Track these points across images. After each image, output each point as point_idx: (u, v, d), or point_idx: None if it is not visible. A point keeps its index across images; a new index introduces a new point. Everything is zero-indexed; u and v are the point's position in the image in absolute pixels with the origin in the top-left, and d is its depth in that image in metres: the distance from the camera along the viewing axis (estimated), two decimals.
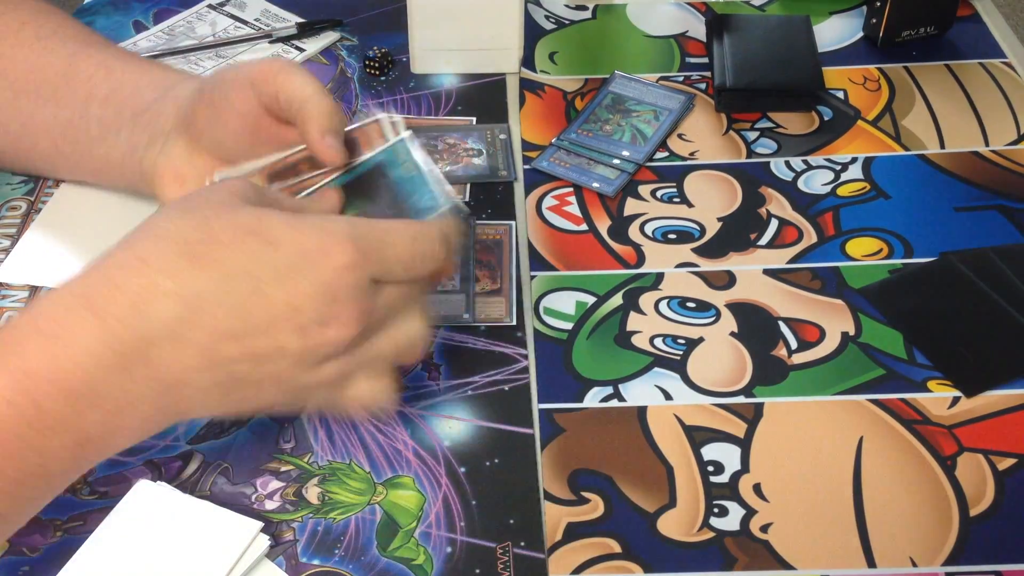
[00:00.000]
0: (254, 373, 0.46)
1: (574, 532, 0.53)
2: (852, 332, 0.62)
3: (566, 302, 0.65)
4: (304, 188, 0.55)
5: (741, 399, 0.59)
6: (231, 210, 0.46)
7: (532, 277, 0.66)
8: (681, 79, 0.81)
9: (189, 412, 0.47)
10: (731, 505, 0.54)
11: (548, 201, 0.71)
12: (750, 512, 0.54)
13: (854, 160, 0.73)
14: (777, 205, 0.70)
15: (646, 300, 0.65)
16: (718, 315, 0.64)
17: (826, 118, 0.77)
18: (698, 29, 0.85)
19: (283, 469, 0.56)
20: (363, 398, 0.50)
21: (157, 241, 0.45)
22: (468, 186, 0.72)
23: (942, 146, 0.74)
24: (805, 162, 0.73)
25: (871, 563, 0.52)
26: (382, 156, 0.54)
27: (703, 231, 0.69)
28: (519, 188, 0.72)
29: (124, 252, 0.45)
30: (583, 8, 0.88)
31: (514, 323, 0.63)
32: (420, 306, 0.51)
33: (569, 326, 0.63)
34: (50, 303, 0.44)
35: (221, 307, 0.44)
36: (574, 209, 0.71)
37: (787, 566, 0.52)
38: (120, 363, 0.43)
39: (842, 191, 0.71)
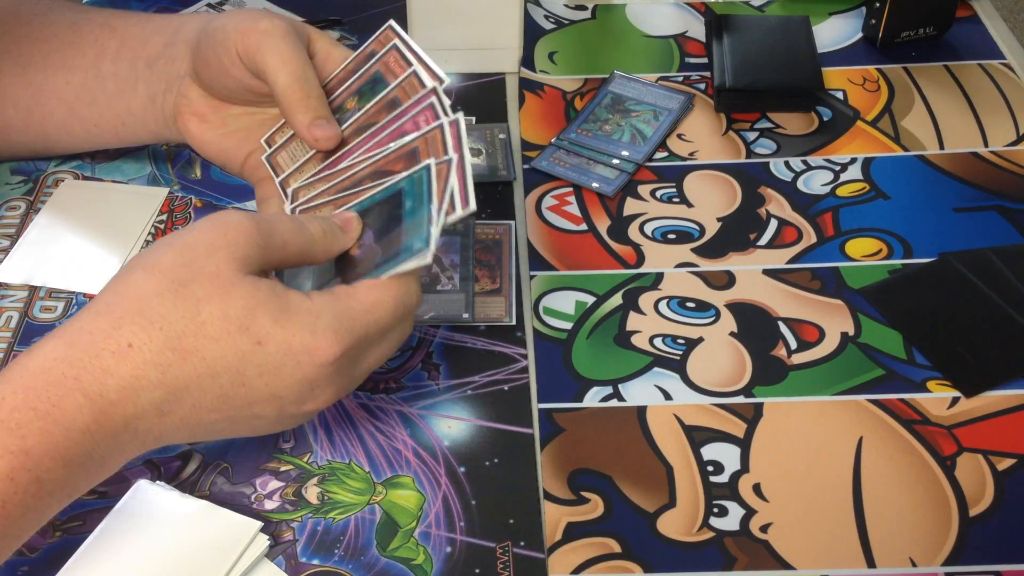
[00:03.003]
0: (232, 428, 0.49)
1: (574, 532, 0.53)
2: (851, 332, 0.62)
3: (566, 302, 0.65)
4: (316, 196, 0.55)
5: (741, 399, 0.59)
6: (224, 294, 0.46)
7: (532, 277, 0.66)
8: (680, 79, 0.81)
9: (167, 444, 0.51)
10: (731, 505, 0.54)
11: (548, 201, 0.71)
12: (750, 512, 0.54)
13: (853, 160, 0.73)
14: (776, 205, 0.70)
15: (646, 300, 0.65)
16: (718, 315, 0.64)
17: (825, 118, 0.77)
18: (697, 29, 0.85)
19: (282, 469, 0.56)
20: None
21: (147, 327, 0.45)
22: None
23: (941, 147, 0.74)
24: (804, 162, 0.73)
25: (871, 563, 0.52)
26: (404, 183, 0.51)
27: (703, 231, 0.69)
28: (518, 188, 0.72)
29: (112, 329, 0.45)
30: (582, 8, 0.88)
31: (513, 323, 0.63)
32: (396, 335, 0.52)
33: (569, 326, 0.63)
34: (44, 378, 0.44)
35: (205, 394, 0.47)
36: (573, 209, 0.71)
37: (787, 566, 0.52)
38: (111, 435, 0.46)
39: (841, 191, 0.71)
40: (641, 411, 0.59)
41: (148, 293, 0.46)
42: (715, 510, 0.54)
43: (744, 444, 0.57)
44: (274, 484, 0.55)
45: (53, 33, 0.67)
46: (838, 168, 0.73)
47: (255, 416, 0.48)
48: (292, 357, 0.47)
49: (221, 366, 0.46)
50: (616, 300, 0.65)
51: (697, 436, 0.57)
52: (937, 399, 0.59)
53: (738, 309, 0.64)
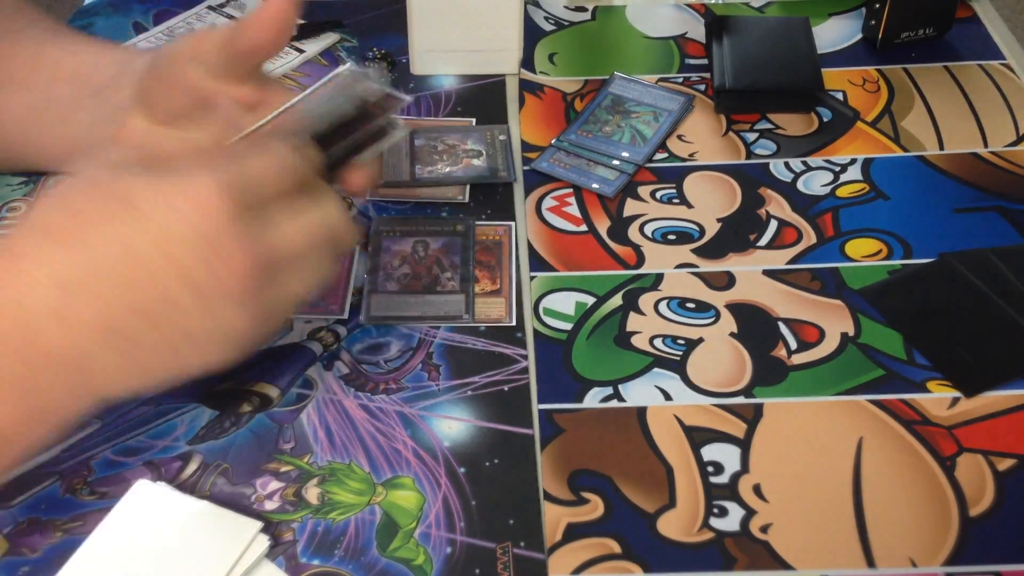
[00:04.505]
0: (158, 335, 0.46)
1: (574, 532, 0.53)
2: (851, 333, 0.62)
3: (566, 303, 0.65)
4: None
5: (741, 399, 0.59)
6: (93, 181, 0.46)
7: (532, 278, 0.66)
8: (680, 80, 0.81)
9: (109, 389, 0.47)
10: (731, 505, 0.54)
11: (548, 202, 0.71)
12: (750, 512, 0.54)
13: (853, 161, 0.73)
14: (776, 206, 0.70)
15: (646, 301, 0.65)
16: (718, 316, 0.64)
17: (825, 119, 0.77)
18: (697, 30, 0.85)
19: (283, 469, 0.56)
20: (302, 294, 0.50)
21: (26, 232, 0.45)
22: (468, 187, 0.72)
23: (941, 147, 0.74)
24: (804, 163, 0.73)
25: (871, 563, 0.52)
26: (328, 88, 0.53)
27: (703, 232, 0.69)
28: (519, 189, 0.72)
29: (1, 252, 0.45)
30: (582, 9, 0.88)
31: (514, 323, 0.63)
32: (322, 200, 0.50)
33: (569, 327, 0.63)
34: None
35: (101, 282, 0.44)
36: (574, 210, 0.71)
37: (787, 566, 0.52)
38: (12, 352, 0.44)
39: (841, 192, 0.71)
40: (641, 412, 0.59)
41: (29, 212, 0.46)
42: (715, 510, 0.54)
43: (744, 444, 0.57)
44: (274, 485, 0.55)
45: (19, 52, 0.66)
46: (838, 169, 0.73)
47: (173, 306, 0.45)
48: (174, 212, 0.44)
49: (106, 240, 0.44)
50: (616, 301, 0.65)
51: (697, 436, 0.57)
52: (937, 399, 0.59)
53: (738, 310, 0.64)
